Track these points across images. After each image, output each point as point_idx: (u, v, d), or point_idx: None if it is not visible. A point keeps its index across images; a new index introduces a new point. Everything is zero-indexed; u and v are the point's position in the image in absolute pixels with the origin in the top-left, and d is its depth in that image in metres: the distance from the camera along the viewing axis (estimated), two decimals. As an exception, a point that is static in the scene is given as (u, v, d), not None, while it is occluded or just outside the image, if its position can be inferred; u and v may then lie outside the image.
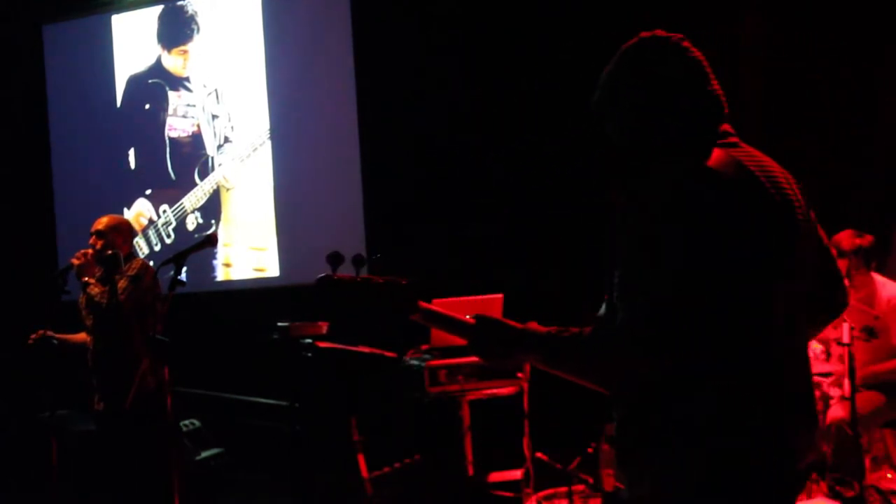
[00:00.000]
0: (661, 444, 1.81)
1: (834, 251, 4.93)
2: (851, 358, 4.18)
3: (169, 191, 7.50)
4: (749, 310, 1.79)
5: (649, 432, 1.83)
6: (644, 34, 1.97)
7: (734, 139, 1.93)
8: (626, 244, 1.81)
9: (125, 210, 7.56)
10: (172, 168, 7.49)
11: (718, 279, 1.75)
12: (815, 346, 4.70)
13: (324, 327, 5.23)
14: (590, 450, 4.90)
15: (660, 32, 1.96)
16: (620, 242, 1.82)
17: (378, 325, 1.98)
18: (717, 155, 1.85)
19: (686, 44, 1.94)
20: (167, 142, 7.49)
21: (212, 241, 4.05)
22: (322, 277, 1.98)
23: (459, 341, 5.32)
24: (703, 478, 1.78)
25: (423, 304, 1.97)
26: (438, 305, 2.08)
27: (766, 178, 1.88)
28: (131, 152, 7.64)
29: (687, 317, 1.73)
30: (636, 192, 1.83)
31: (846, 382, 4.17)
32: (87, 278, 4.38)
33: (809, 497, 4.26)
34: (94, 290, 4.35)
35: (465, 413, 4.96)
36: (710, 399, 1.77)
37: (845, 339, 4.22)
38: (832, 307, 2.11)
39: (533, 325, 1.93)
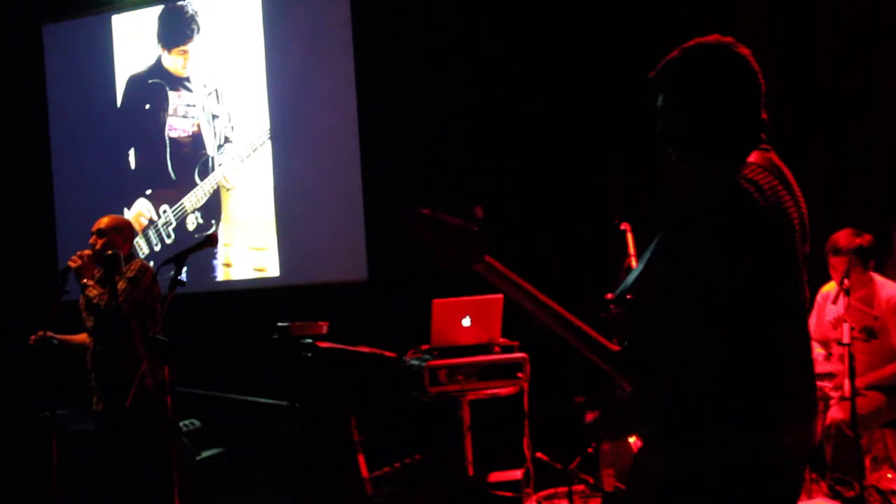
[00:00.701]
0: (670, 435, 1.87)
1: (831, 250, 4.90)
2: (851, 358, 4.18)
3: (169, 191, 7.51)
4: (778, 305, 1.87)
5: (661, 422, 1.89)
6: (718, 37, 2.01)
7: (766, 146, 2.01)
8: (674, 243, 1.87)
9: (125, 210, 7.56)
10: (172, 168, 7.49)
11: (764, 275, 1.83)
12: (815, 348, 4.71)
13: (324, 327, 5.24)
14: (590, 450, 4.91)
15: (728, 39, 2.01)
16: (669, 242, 1.87)
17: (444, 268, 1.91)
18: (760, 158, 1.93)
19: (750, 57, 2.00)
20: (167, 142, 7.50)
21: (212, 241, 4.05)
22: (411, 210, 1.96)
23: (460, 341, 5.31)
24: (708, 467, 1.82)
25: (489, 258, 1.94)
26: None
27: (795, 183, 1.98)
28: (131, 152, 7.65)
29: (727, 310, 1.81)
30: (685, 194, 1.90)
31: (846, 383, 4.17)
32: (85, 280, 4.38)
33: (809, 497, 4.26)
34: (93, 291, 4.34)
35: (465, 413, 4.96)
36: (721, 391, 1.83)
37: (845, 340, 4.22)
38: None
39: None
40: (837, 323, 4.42)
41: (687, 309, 1.83)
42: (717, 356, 1.82)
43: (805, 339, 1.96)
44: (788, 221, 1.89)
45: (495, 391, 4.96)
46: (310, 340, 5.14)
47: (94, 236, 4.50)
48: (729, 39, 2.01)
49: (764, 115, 2.01)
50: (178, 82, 7.48)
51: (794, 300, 1.92)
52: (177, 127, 7.47)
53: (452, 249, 1.91)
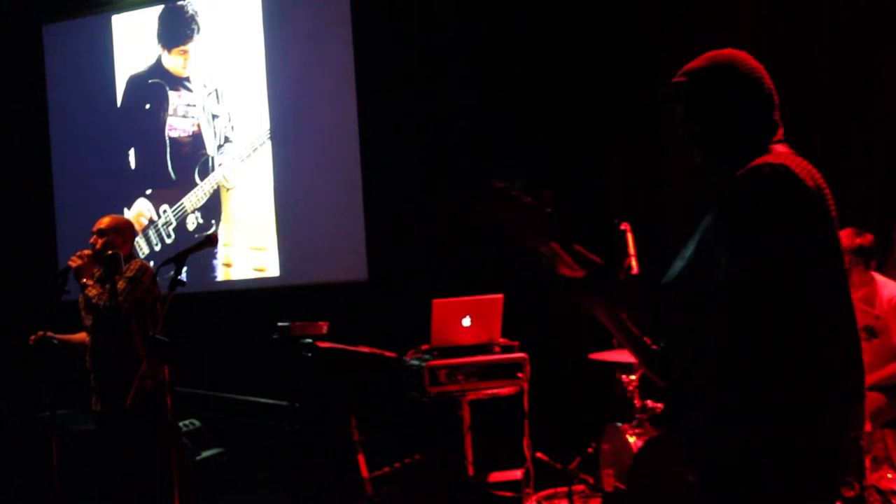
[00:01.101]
0: (719, 427, 1.90)
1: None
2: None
3: (169, 191, 7.51)
4: (824, 291, 1.92)
5: (709, 412, 1.91)
6: (732, 51, 2.12)
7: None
8: (731, 233, 1.90)
9: (125, 210, 7.56)
10: (172, 168, 7.49)
11: (813, 261, 1.89)
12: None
13: (324, 327, 5.24)
14: (590, 450, 4.91)
15: (742, 53, 2.12)
16: (725, 233, 1.92)
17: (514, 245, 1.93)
18: (787, 151, 2.02)
19: (762, 70, 2.11)
20: (167, 142, 7.50)
21: (212, 241, 4.04)
22: (492, 185, 2.00)
23: (460, 341, 5.30)
24: (758, 445, 1.85)
25: (554, 244, 2.01)
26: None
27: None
28: (131, 152, 7.65)
29: (779, 298, 1.84)
30: (739, 183, 1.94)
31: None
32: (85, 279, 4.37)
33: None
34: (92, 291, 4.34)
35: (465, 413, 4.97)
36: (777, 375, 1.86)
37: (845, 339, 4.21)
38: None
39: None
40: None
41: (736, 300, 1.85)
42: (768, 346, 1.85)
43: (852, 325, 2.00)
44: (827, 214, 1.98)
45: (495, 391, 4.96)
46: (310, 340, 5.14)
47: (94, 236, 4.50)
48: (742, 53, 2.11)
49: (780, 123, 2.10)
50: (178, 82, 7.48)
51: (842, 286, 1.98)
52: (177, 127, 7.47)
53: (525, 226, 1.97)
